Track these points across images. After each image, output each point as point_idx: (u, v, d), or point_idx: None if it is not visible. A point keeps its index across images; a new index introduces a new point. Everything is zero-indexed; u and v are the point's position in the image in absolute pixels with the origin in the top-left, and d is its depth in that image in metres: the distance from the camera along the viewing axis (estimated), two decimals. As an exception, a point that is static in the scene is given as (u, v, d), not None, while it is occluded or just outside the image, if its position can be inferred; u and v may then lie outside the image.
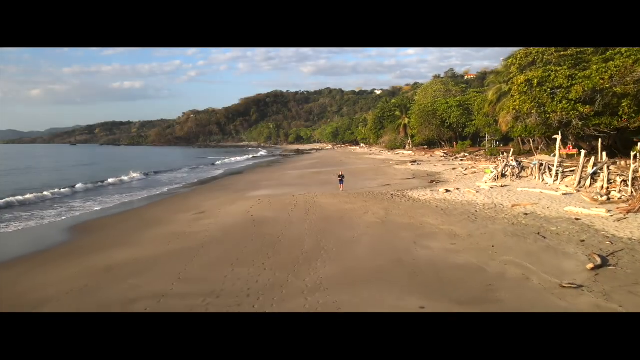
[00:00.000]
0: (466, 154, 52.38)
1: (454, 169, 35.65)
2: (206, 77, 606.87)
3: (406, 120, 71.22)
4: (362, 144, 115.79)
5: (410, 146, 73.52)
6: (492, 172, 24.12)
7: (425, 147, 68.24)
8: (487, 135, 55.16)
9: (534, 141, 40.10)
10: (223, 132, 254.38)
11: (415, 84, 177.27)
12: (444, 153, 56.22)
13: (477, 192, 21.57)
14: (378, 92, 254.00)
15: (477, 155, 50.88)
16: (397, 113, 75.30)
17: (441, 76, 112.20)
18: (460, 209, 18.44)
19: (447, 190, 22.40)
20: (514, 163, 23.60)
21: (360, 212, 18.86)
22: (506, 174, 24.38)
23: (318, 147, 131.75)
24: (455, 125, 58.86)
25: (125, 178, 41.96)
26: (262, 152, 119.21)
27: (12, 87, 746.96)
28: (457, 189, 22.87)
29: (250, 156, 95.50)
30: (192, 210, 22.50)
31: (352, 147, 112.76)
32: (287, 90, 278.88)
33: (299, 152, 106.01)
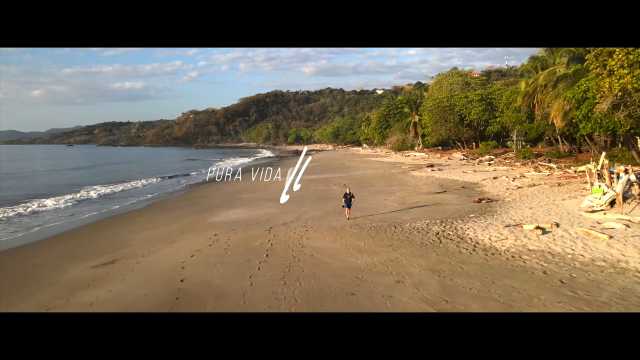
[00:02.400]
0: (492, 157, 43.13)
1: (494, 178, 26.33)
2: (207, 78, 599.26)
3: (416, 118, 61.89)
4: (364, 145, 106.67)
5: (421, 147, 64.17)
6: (604, 193, 13.68)
7: (440, 148, 58.91)
8: (514, 134, 45.92)
9: (592, 141, 30.75)
10: (222, 132, 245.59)
11: (418, 83, 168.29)
12: (464, 156, 46.96)
13: (609, 237, 11.06)
14: (380, 92, 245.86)
15: (505, 158, 41.62)
16: (406, 110, 65.91)
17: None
18: (607, 289, 8.32)
19: (542, 231, 12.17)
20: (632, 177, 13.93)
21: (387, 278, 9.59)
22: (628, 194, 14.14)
23: (318, 148, 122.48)
24: (475, 123, 49.57)
25: (79, 195, 32.64)
26: (262, 154, 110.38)
27: (13, 87, 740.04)
28: (555, 224, 12.82)
29: (251, 159, 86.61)
30: (101, 254, 13.32)
31: (354, 148, 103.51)
32: (287, 90, 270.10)
33: (297, 154, 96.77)
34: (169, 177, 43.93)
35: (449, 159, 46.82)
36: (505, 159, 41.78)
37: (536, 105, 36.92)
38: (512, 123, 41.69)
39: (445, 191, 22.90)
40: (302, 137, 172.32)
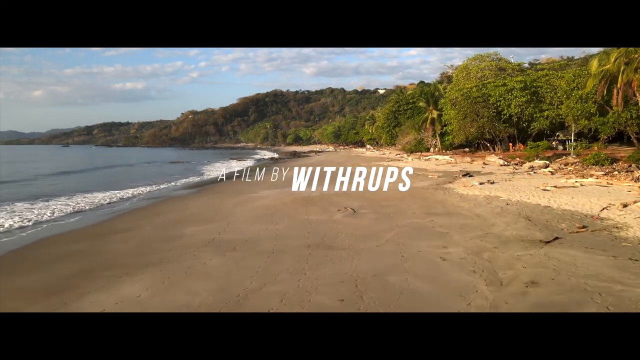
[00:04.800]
0: (546, 161, 31.69)
1: (624, 206, 14.56)
2: (208, 78, 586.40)
3: (435, 114, 50.28)
4: (368, 145, 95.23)
5: (438, 148, 52.63)
6: None
7: (466, 150, 47.32)
8: (569, 132, 34.51)
9: None
10: (220, 132, 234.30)
11: (420, 82, 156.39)
12: (504, 160, 35.47)
13: None
14: (381, 92, 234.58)
15: (565, 164, 30.20)
16: (422, 104, 54.22)
17: (449, 73, 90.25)
18: None
19: None
20: None
21: None
22: None
23: (318, 149, 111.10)
24: (516, 118, 38.09)
25: None
26: (258, 156, 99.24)
27: (14, 88, 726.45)
28: None
29: (243, 162, 75.33)
30: None
31: (357, 149, 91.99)
32: (287, 90, 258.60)
33: (295, 155, 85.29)
34: (109, 203, 32.47)
35: (484, 164, 35.32)
36: (565, 164, 30.37)
37: (618, 90, 25.53)
38: (575, 116, 30.22)
39: (557, 237, 11.39)
40: (301, 138, 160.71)
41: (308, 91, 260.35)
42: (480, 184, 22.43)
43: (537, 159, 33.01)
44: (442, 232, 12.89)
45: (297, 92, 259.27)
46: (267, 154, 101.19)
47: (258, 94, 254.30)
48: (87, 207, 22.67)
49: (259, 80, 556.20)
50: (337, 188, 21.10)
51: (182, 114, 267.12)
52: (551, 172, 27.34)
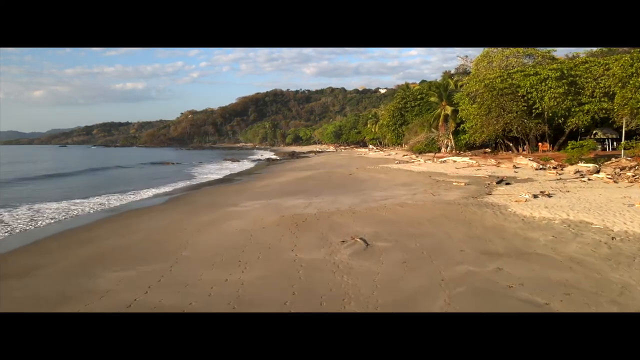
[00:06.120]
0: (594, 164, 25.64)
1: None
2: (208, 78, 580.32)
3: (448, 110, 44.11)
4: (370, 145, 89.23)
5: (451, 148, 46.52)
6: None
7: (487, 150, 41.08)
8: (622, 128, 28.39)
9: None
10: (219, 132, 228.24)
11: (423, 81, 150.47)
12: (538, 163, 29.37)
13: None
14: (382, 91, 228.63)
15: (621, 168, 24.13)
16: (433, 99, 47.98)
17: (451, 72, 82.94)
18: None
19: None
20: None
21: None
22: None
23: (318, 149, 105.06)
24: (549, 113, 31.95)
25: None
26: (254, 156, 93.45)
27: (14, 88, 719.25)
28: None
29: (236, 163, 69.50)
30: None
31: (359, 150, 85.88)
32: (287, 90, 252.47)
33: (293, 156, 79.25)
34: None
35: (515, 168, 29.22)
36: (621, 168, 24.28)
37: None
38: (635, 108, 24.06)
39: None
40: (301, 137, 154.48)
41: (308, 90, 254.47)
42: (534, 196, 16.36)
43: (580, 161, 26.93)
44: (531, 302, 6.87)
45: (297, 91, 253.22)
46: (265, 155, 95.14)
47: (258, 93, 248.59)
48: (11, 225, 16.69)
49: (259, 80, 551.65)
50: (337, 204, 15.14)
51: (182, 113, 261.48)
52: (610, 178, 21.25)
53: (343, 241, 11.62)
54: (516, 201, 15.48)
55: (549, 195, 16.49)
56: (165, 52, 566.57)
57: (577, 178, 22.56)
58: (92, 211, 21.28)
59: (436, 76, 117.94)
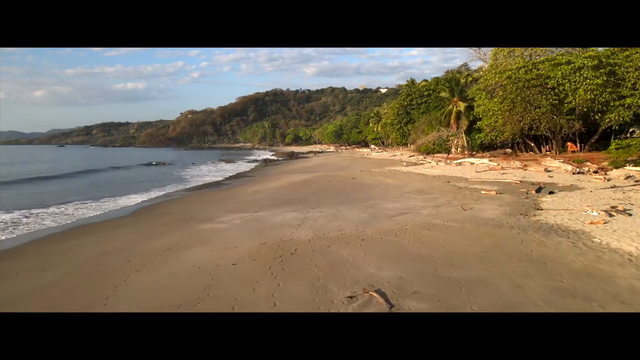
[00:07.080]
0: (638, 169, 21.22)
1: None
2: (209, 78, 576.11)
3: (461, 106, 39.62)
4: (373, 146, 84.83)
5: (463, 148, 42.05)
6: None
7: (508, 151, 36.53)
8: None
9: None
10: (218, 132, 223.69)
11: (424, 81, 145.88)
12: (571, 166, 24.93)
13: None
14: (383, 91, 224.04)
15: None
16: (444, 94, 43.45)
17: (456, 70, 78.54)
18: None
19: None
20: None
21: None
22: None
23: (317, 149, 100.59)
24: (584, 108, 27.54)
25: None
26: (252, 157, 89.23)
27: (15, 88, 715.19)
28: None
29: (238, 164, 65.18)
30: None
31: (361, 150, 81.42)
32: (287, 89, 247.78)
33: (292, 157, 74.78)
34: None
35: (547, 171, 24.77)
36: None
37: None
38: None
39: None
40: (300, 137, 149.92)
41: (308, 90, 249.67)
42: (609, 214, 11.93)
43: (627, 164, 22.48)
44: None
45: (297, 91, 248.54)
46: (263, 155, 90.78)
47: (257, 93, 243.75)
48: None
49: (259, 80, 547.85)
50: (339, 220, 10.72)
51: (181, 113, 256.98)
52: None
53: (351, 296, 7.25)
54: (591, 223, 11.05)
55: (629, 213, 12.07)
56: (165, 52, 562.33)
57: (634, 185, 18.15)
58: (33, 227, 17.00)
59: (437, 76, 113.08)
